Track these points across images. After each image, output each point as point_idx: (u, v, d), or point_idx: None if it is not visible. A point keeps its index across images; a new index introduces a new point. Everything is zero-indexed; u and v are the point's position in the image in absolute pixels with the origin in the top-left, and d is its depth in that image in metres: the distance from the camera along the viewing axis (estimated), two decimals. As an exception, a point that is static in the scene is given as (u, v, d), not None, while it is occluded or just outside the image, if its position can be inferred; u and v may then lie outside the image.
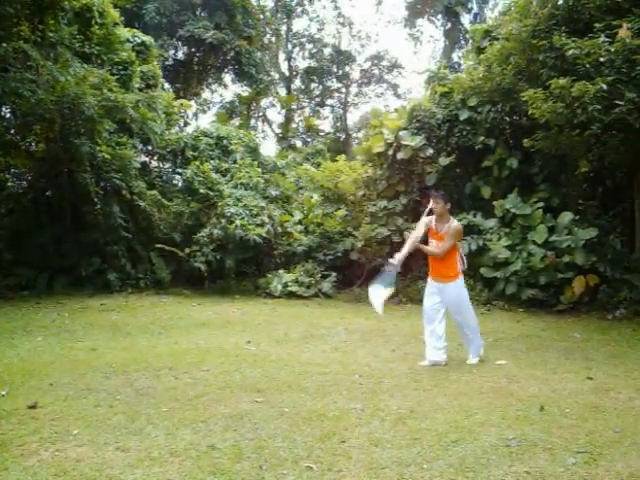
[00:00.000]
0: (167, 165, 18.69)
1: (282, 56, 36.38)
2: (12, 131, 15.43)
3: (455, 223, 7.12)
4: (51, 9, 13.52)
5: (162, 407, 5.20)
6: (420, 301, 13.02)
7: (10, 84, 12.19)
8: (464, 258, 7.31)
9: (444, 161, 14.12)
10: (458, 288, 7.17)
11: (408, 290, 13.58)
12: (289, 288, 14.22)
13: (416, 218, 13.85)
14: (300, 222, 16.40)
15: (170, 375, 6.44)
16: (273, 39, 34.05)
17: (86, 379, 6.13)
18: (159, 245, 15.06)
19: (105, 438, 4.41)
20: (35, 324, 9.81)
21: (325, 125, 36.64)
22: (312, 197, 16.70)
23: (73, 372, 6.49)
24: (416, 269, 14.00)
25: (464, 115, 14.00)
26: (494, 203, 13.20)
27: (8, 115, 15.31)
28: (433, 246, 7.15)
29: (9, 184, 16.25)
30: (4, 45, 12.48)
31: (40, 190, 15.28)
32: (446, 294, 7.13)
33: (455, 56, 32.18)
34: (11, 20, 12.83)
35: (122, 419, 4.85)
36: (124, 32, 17.34)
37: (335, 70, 35.71)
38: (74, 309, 11.61)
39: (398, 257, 6.88)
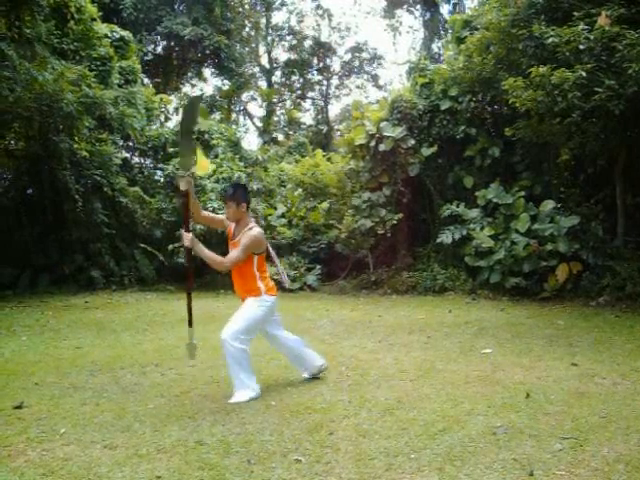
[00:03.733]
0: (148, 161, 18.60)
1: (262, 49, 36.25)
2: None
3: (253, 231, 5.52)
4: (27, 5, 13.35)
5: (149, 404, 5.18)
6: (405, 292, 13.21)
7: (-13, 83, 12.05)
8: (283, 275, 6.20)
9: (426, 151, 14.15)
10: (257, 303, 5.60)
11: (393, 281, 13.61)
12: (274, 281, 14.20)
13: (399, 209, 14.04)
14: (284, 215, 16.40)
15: (156, 371, 6.42)
16: (252, 32, 33.90)
17: (71, 378, 6.10)
18: (142, 245, 15.01)
19: (92, 436, 4.38)
20: (19, 323, 9.75)
21: (307, 118, 36.59)
22: (295, 191, 16.70)
23: (58, 371, 6.45)
24: (400, 260, 14.06)
25: (445, 105, 14.04)
26: (476, 193, 13.26)
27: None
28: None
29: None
30: (-21, 43, 12.34)
31: (21, 188, 15.14)
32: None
33: (435, 46, 32.13)
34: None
35: (109, 417, 4.83)
36: (102, 28, 17.17)
37: (316, 62, 35.63)
38: (58, 307, 11.54)
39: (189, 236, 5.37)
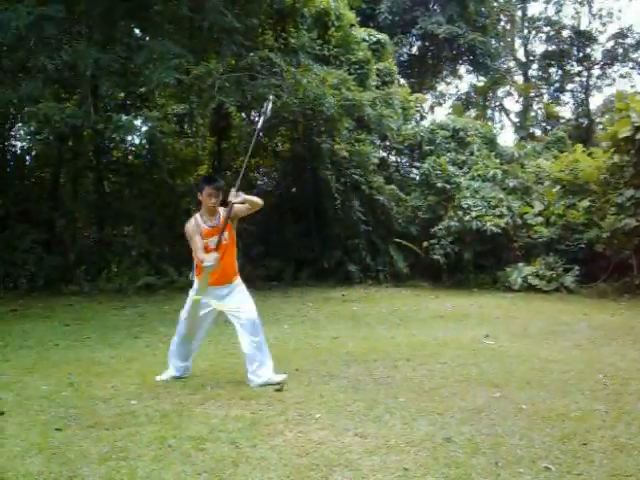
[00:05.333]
0: (404, 159, 19.02)
1: (518, 42, 35.21)
2: (260, 133, 16.56)
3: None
4: (291, 16, 14.34)
5: (399, 397, 5.30)
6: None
7: (258, 90, 13.13)
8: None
9: (702, 144, 12.87)
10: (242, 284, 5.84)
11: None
12: (529, 281, 13.85)
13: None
14: (540, 214, 15.83)
15: (407, 366, 6.54)
16: (507, 26, 33.07)
17: (327, 366, 6.42)
18: (397, 240, 15.40)
19: (345, 424, 4.58)
20: (282, 313, 10.50)
21: (565, 112, 34.76)
22: (553, 188, 16.05)
23: (316, 359, 6.84)
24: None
25: None
26: None
27: (257, 119, 16.46)
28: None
29: (259, 182, 17.53)
30: (251, 55, 13.47)
31: (286, 187, 16.29)
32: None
33: None
34: (257, 31, 13.81)
35: (361, 406, 5.02)
36: (360, 32, 17.85)
37: (575, 52, 33.82)
38: (317, 299, 12.23)
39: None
